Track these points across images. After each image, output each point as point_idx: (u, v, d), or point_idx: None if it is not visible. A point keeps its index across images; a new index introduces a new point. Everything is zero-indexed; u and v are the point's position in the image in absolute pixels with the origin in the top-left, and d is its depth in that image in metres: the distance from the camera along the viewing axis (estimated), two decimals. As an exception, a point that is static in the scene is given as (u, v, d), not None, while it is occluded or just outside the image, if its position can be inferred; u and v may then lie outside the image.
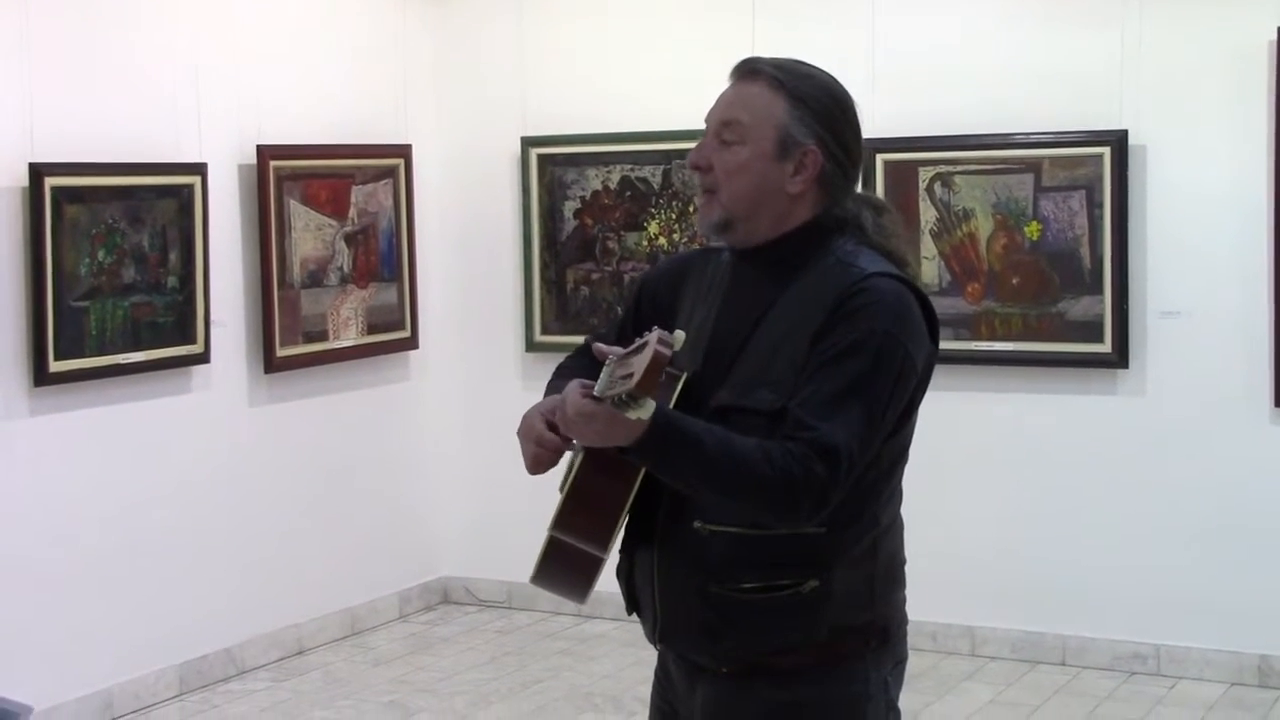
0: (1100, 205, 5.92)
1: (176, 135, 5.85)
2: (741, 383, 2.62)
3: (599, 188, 6.75)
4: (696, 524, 2.62)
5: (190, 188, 5.82)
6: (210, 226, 5.91)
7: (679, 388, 2.65)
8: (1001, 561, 6.21)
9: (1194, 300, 5.89)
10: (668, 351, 2.39)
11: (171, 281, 5.78)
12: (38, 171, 5.30)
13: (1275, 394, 5.77)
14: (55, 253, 5.35)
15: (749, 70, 2.70)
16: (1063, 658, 6.13)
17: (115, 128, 5.64)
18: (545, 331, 6.86)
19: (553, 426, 2.67)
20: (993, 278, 6.12)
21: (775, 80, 2.66)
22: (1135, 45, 5.89)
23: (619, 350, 2.56)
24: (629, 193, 6.70)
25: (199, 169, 5.86)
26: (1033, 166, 6.02)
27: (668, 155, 6.58)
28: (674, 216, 6.63)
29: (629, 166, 6.69)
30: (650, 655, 2.91)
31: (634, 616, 2.82)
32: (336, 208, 6.48)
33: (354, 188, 6.56)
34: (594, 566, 2.66)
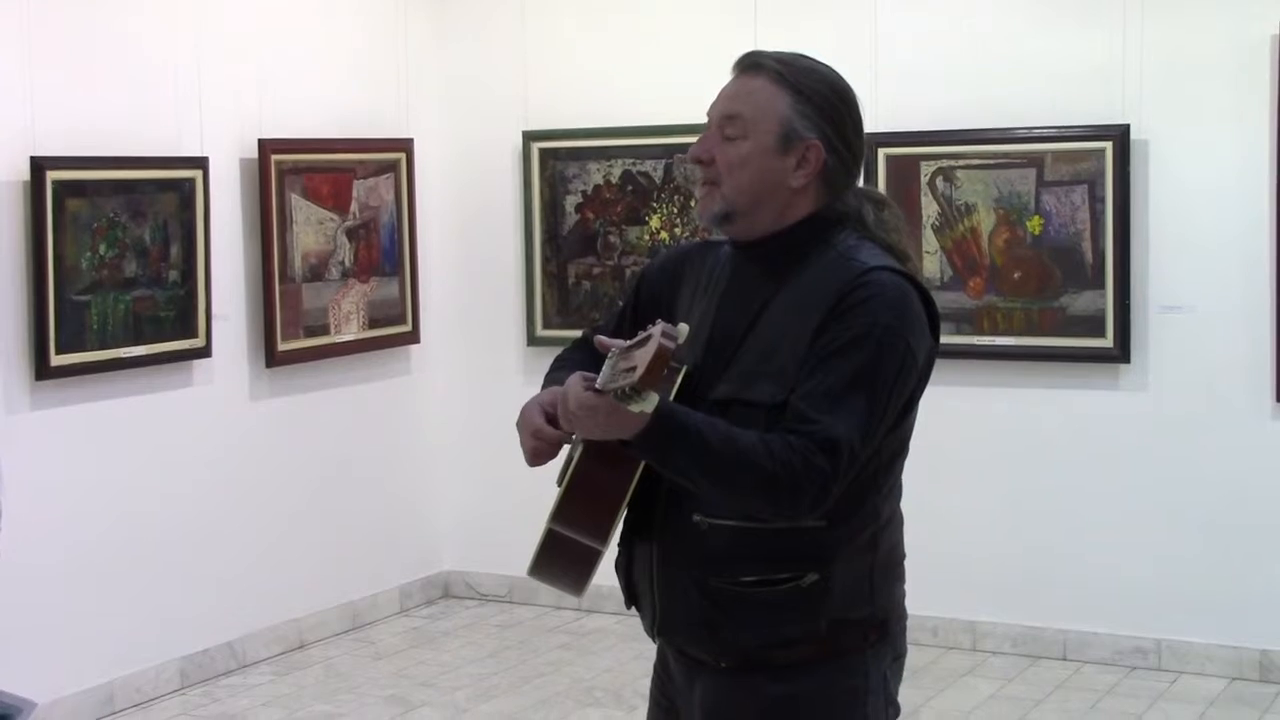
0: (1102, 200, 5.91)
1: (178, 129, 5.85)
2: (742, 376, 2.62)
3: (600, 182, 6.75)
4: (696, 517, 2.62)
5: (192, 181, 5.82)
6: (212, 220, 5.91)
7: (679, 381, 2.64)
8: (1002, 556, 6.21)
9: (1196, 295, 5.89)
10: (672, 345, 2.38)
11: (173, 275, 5.78)
12: (39, 165, 5.30)
13: (1277, 389, 5.76)
14: (56, 246, 5.35)
15: (751, 64, 2.69)
16: (1064, 652, 6.13)
17: (116, 121, 5.64)
18: (547, 326, 6.86)
19: (551, 419, 2.67)
20: (994, 272, 6.12)
21: (778, 74, 2.65)
22: (1138, 40, 5.89)
23: (621, 343, 2.55)
24: (630, 187, 6.70)
25: (200, 163, 5.86)
26: (1035, 161, 6.02)
27: (669, 150, 6.57)
28: (675, 211, 6.62)
29: (630, 161, 6.69)
30: (651, 649, 2.91)
31: (633, 610, 2.82)
32: (338, 202, 6.48)
33: (355, 182, 6.56)
34: (592, 559, 2.65)
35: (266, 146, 6.13)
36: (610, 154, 6.71)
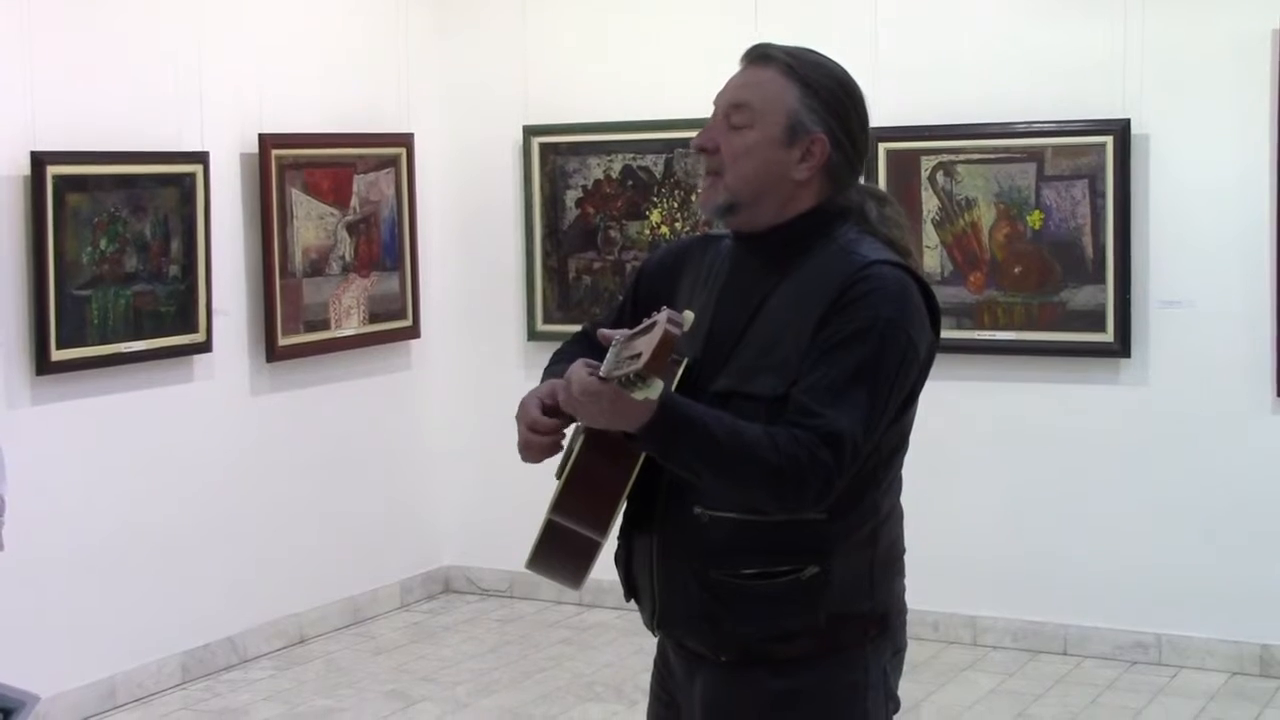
0: (1103, 194, 5.91)
1: (178, 124, 5.85)
2: (743, 368, 2.62)
3: (601, 176, 6.75)
4: (697, 510, 2.62)
5: (192, 176, 5.82)
6: (212, 215, 5.90)
7: (679, 373, 2.64)
8: (1003, 551, 6.21)
9: (1196, 290, 5.89)
10: (677, 331, 2.37)
11: (173, 270, 5.78)
12: (39, 160, 5.30)
13: (1277, 383, 5.76)
14: (57, 241, 5.35)
15: (761, 55, 2.69)
16: (1064, 647, 6.13)
17: (117, 116, 5.64)
18: (547, 320, 6.86)
19: (548, 410, 2.66)
20: (995, 267, 6.12)
21: (787, 67, 2.66)
22: (1138, 34, 5.88)
23: (625, 332, 2.55)
24: (631, 182, 6.70)
25: (201, 158, 5.86)
26: (1035, 155, 6.02)
27: (670, 144, 6.57)
28: (676, 205, 6.62)
29: (631, 155, 6.69)
30: (651, 644, 2.91)
31: (633, 603, 2.81)
32: (338, 197, 6.48)
33: (356, 177, 6.55)
34: (591, 551, 2.65)
35: (267, 141, 6.13)
36: (610, 149, 6.71)
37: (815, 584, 2.60)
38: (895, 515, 2.72)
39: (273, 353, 6.21)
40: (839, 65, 2.71)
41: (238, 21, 6.10)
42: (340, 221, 6.49)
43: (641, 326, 2.47)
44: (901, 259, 2.65)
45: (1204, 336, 5.89)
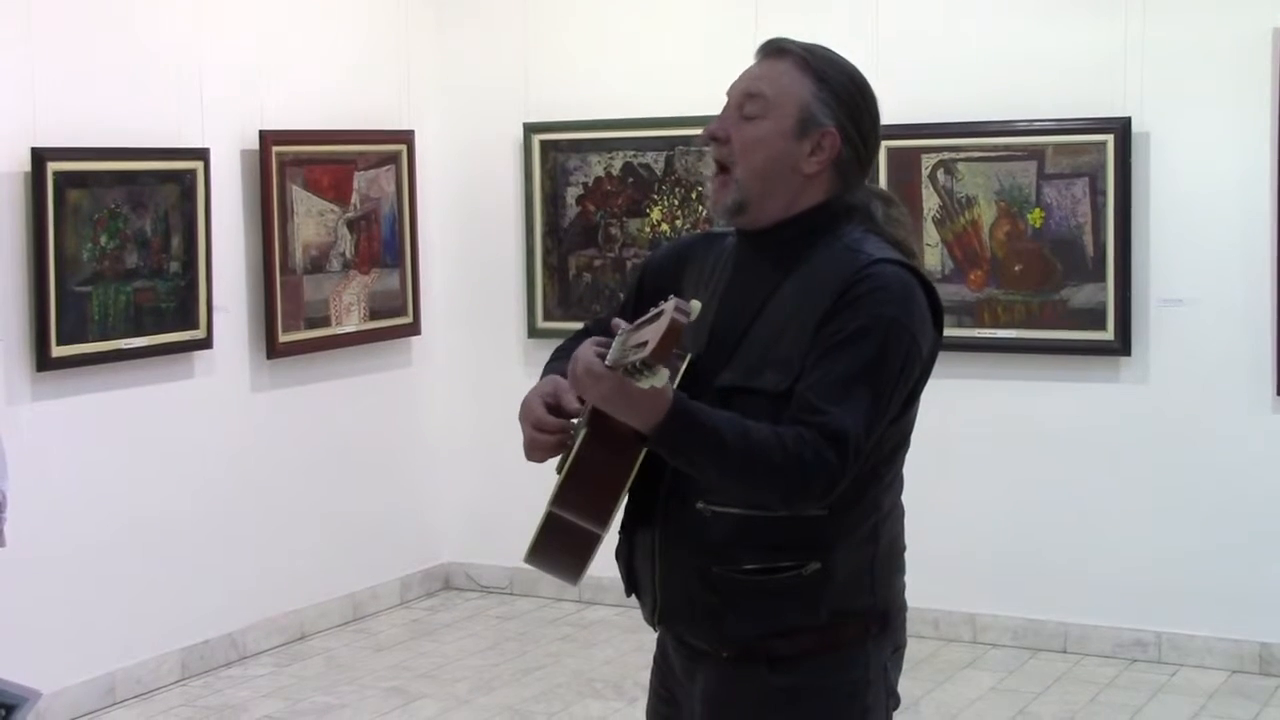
0: (1103, 192, 5.91)
1: (179, 120, 5.85)
2: (746, 364, 2.62)
3: (601, 174, 6.75)
4: (699, 505, 2.62)
5: (193, 173, 5.82)
6: (213, 212, 5.90)
7: (682, 368, 2.64)
8: (1003, 548, 6.21)
9: (1197, 288, 5.89)
10: (684, 319, 2.36)
11: (174, 267, 5.78)
12: (40, 156, 5.30)
13: (1278, 381, 5.76)
14: (57, 238, 5.35)
15: (776, 49, 2.70)
16: (1064, 645, 6.14)
17: (117, 112, 5.64)
18: (547, 318, 6.86)
19: (552, 409, 2.67)
20: (995, 265, 6.12)
21: (802, 60, 2.67)
22: (1139, 32, 5.88)
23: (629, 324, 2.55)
24: (631, 179, 6.70)
25: (201, 154, 5.86)
26: (1036, 153, 6.02)
27: (670, 141, 6.57)
28: (676, 203, 6.62)
29: (632, 153, 6.68)
30: (651, 641, 2.91)
31: (634, 599, 2.81)
32: (339, 193, 6.48)
33: (356, 173, 6.55)
34: (591, 544, 2.64)
35: (267, 138, 6.13)
36: (611, 146, 6.71)
37: (817, 580, 2.60)
38: (896, 512, 2.73)
39: (273, 349, 6.21)
40: (852, 64, 2.72)
41: (238, 18, 6.10)
42: (341, 218, 6.49)
43: (648, 316, 2.47)
44: (906, 258, 2.66)
45: (1204, 335, 5.89)
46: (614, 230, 6.75)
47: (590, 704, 5.67)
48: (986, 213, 6.11)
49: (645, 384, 2.36)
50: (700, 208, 6.56)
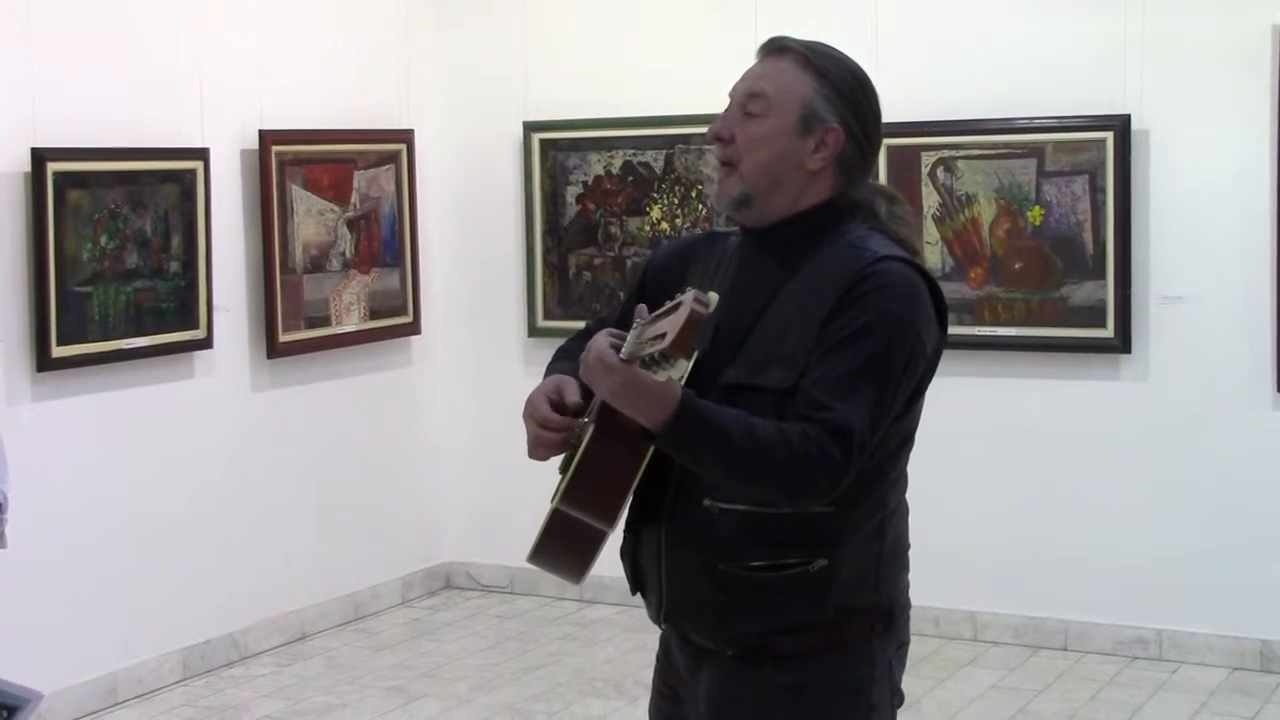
0: (1103, 190, 5.91)
1: (179, 120, 5.85)
2: (752, 361, 2.62)
3: (601, 173, 6.75)
4: (706, 502, 2.62)
5: (193, 173, 5.82)
6: (212, 211, 5.90)
7: (690, 366, 2.64)
8: (1003, 546, 6.21)
9: (1197, 285, 5.89)
10: (704, 310, 2.36)
11: (174, 266, 5.78)
12: (40, 156, 5.30)
13: (1278, 379, 5.77)
14: (58, 238, 5.35)
15: (778, 47, 2.71)
16: (1065, 643, 6.14)
17: (117, 112, 5.64)
18: (548, 317, 6.86)
19: (557, 407, 2.67)
20: (995, 263, 6.12)
21: (804, 58, 2.67)
22: (1139, 29, 5.88)
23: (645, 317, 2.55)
24: (631, 178, 6.70)
25: (201, 154, 5.86)
26: (1035, 151, 6.02)
27: (670, 140, 6.57)
28: (676, 201, 6.62)
29: (631, 151, 6.68)
30: (653, 639, 2.91)
31: (638, 599, 2.81)
32: (339, 193, 6.48)
33: (356, 173, 6.55)
34: (596, 542, 2.64)
35: (267, 137, 6.13)
36: (611, 145, 6.71)
37: (823, 576, 2.60)
38: (901, 510, 2.73)
39: (273, 349, 6.21)
40: (855, 61, 2.73)
41: (238, 18, 6.10)
42: (341, 218, 6.49)
43: (665, 308, 2.46)
44: (910, 256, 2.66)
45: (1204, 332, 5.89)
46: (614, 229, 6.75)
47: (591, 703, 5.67)
48: (986, 210, 6.11)
49: (663, 375, 2.36)
50: (701, 206, 6.56)
